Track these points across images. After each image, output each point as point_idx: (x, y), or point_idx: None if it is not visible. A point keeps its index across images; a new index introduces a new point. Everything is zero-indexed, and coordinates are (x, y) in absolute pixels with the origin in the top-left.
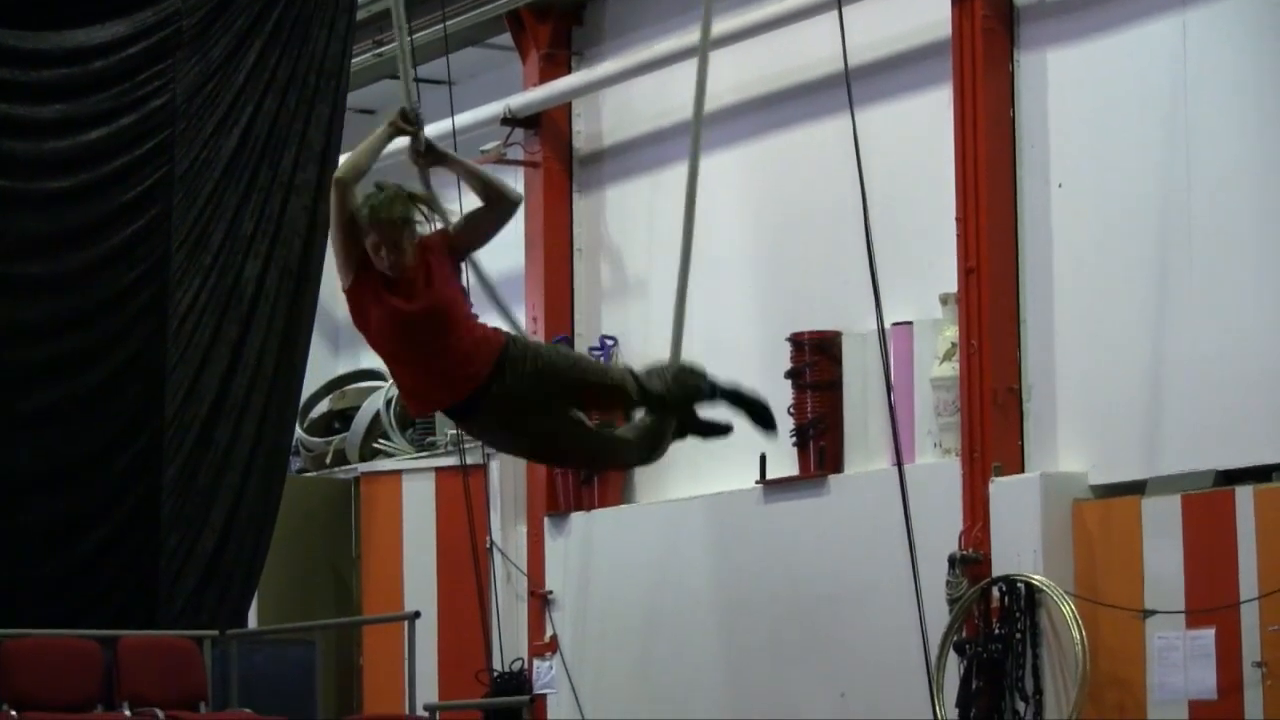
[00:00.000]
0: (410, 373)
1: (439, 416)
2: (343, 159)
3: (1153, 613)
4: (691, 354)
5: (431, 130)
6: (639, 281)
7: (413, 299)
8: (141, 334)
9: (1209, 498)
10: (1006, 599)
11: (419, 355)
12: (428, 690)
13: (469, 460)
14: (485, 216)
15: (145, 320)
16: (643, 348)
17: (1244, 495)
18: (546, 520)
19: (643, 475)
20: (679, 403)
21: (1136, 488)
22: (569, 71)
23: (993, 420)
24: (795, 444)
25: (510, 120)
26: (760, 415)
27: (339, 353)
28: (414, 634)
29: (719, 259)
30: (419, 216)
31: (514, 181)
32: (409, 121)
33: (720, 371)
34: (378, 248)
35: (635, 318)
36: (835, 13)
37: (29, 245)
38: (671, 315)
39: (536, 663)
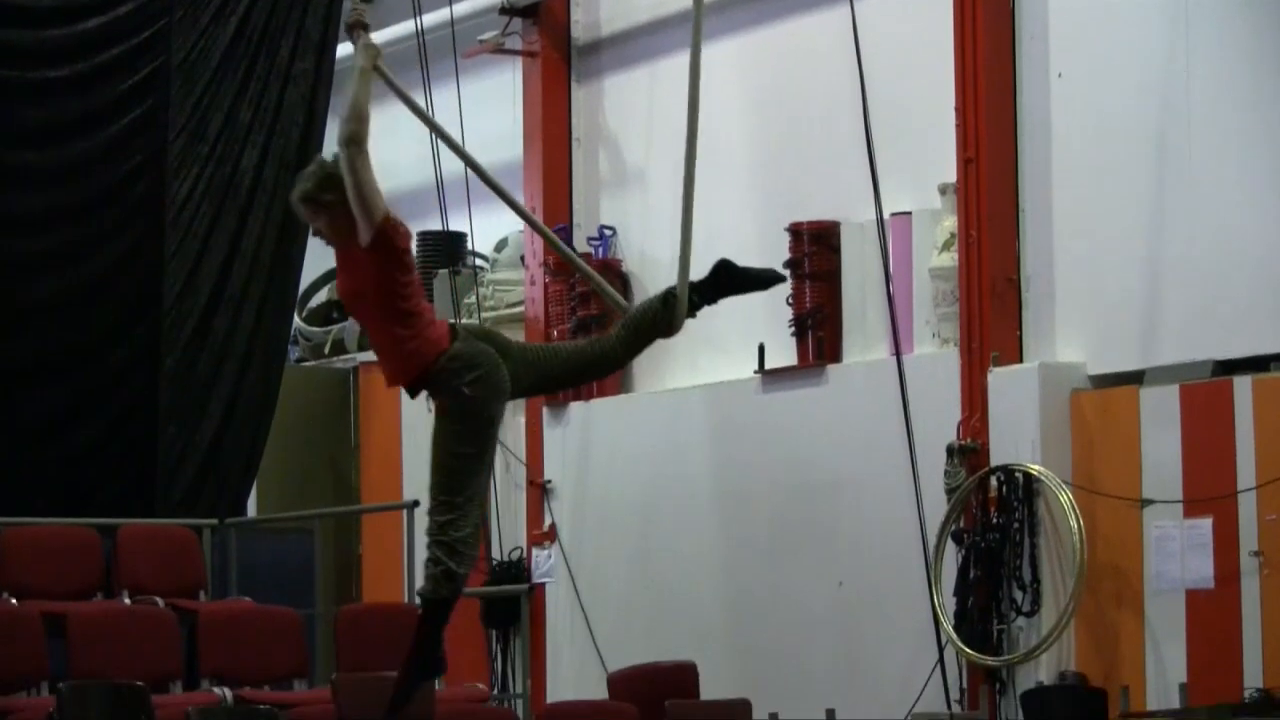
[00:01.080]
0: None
1: (437, 306)
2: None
3: (1150, 502)
4: (691, 246)
5: (430, 19)
6: (637, 171)
7: (340, 280)
8: (140, 224)
9: (1207, 388)
10: (1004, 489)
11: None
12: None
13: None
14: None
15: (143, 210)
16: (641, 238)
17: (1242, 385)
18: (545, 410)
19: (641, 365)
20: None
21: (1135, 378)
22: None
23: (991, 310)
24: (794, 334)
25: (508, 10)
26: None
27: None
28: (413, 523)
29: (718, 149)
30: (330, 197)
31: (513, 72)
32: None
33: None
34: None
35: (634, 207)
36: None
37: (27, 134)
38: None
39: (535, 552)
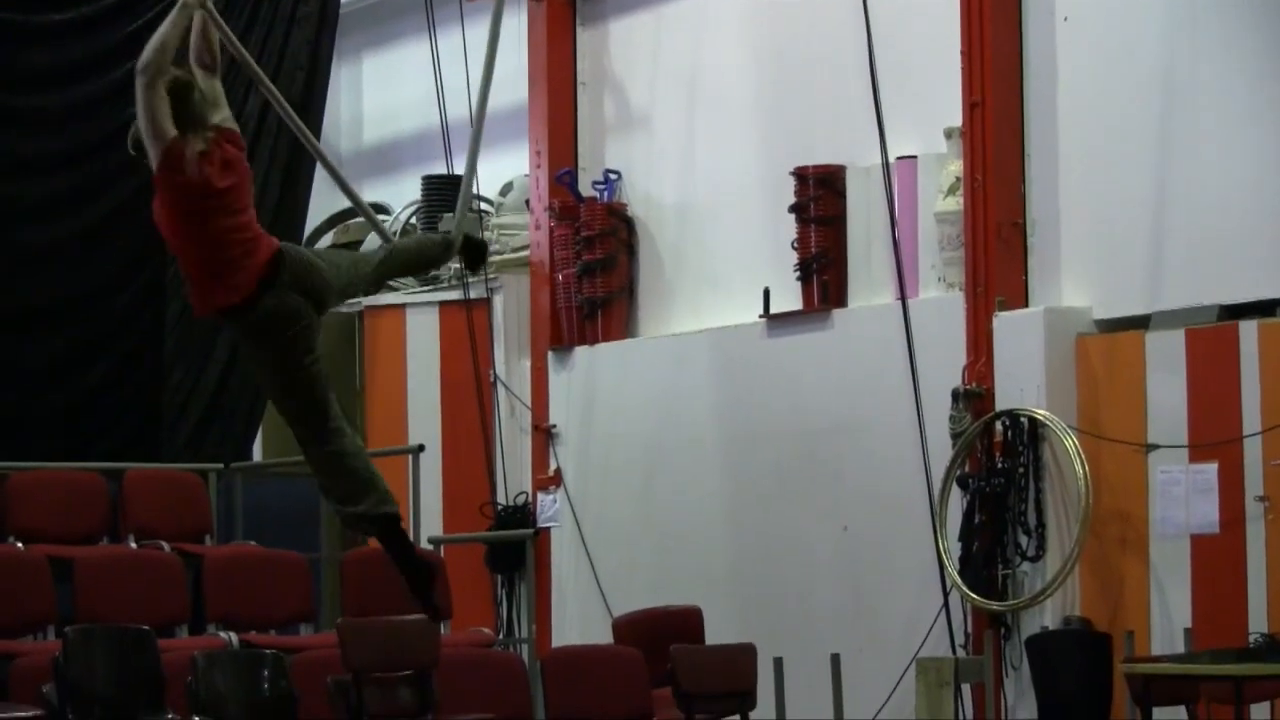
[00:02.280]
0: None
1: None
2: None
3: (1155, 447)
4: (696, 190)
5: None
6: (642, 115)
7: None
8: (144, 168)
9: (1212, 332)
10: (1009, 433)
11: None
12: (432, 523)
13: (472, 294)
14: None
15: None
16: (646, 181)
17: (1247, 330)
18: (550, 354)
19: (646, 310)
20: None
21: (1140, 322)
22: None
23: (996, 254)
24: (799, 278)
25: None
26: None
27: None
28: (418, 467)
29: (723, 93)
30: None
31: (518, 15)
32: None
33: (724, 205)
34: None
35: (639, 151)
36: None
37: (31, 78)
38: None
39: (540, 496)
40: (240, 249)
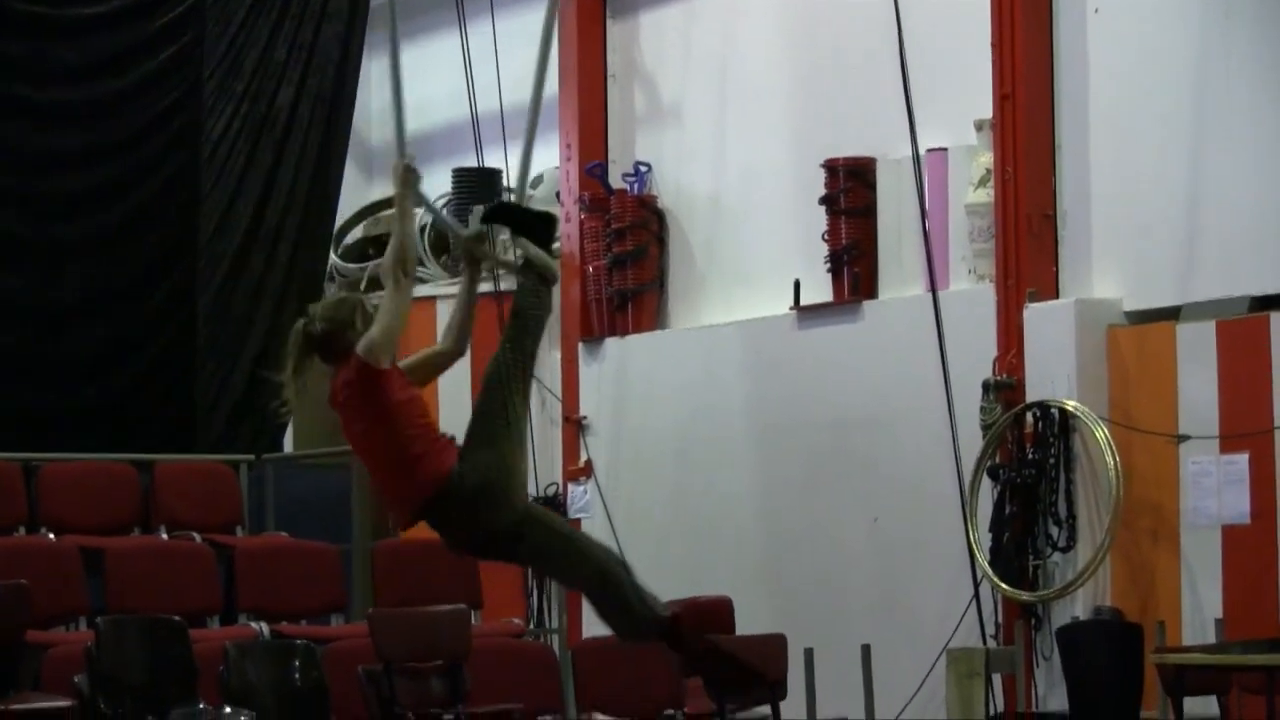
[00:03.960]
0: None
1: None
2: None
3: (1186, 438)
4: (727, 182)
5: None
6: (673, 107)
7: None
8: (175, 162)
9: (1243, 323)
10: (1040, 424)
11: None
12: None
13: (503, 286)
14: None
15: (178, 148)
16: (676, 173)
17: (1279, 321)
18: (581, 346)
19: (677, 302)
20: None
21: (1171, 313)
22: None
23: (1027, 246)
24: (830, 270)
25: None
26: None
27: (372, 179)
28: None
29: (754, 84)
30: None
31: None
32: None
33: (755, 197)
34: None
35: (669, 143)
36: None
37: (60, 73)
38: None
39: (571, 487)
40: (390, 468)
